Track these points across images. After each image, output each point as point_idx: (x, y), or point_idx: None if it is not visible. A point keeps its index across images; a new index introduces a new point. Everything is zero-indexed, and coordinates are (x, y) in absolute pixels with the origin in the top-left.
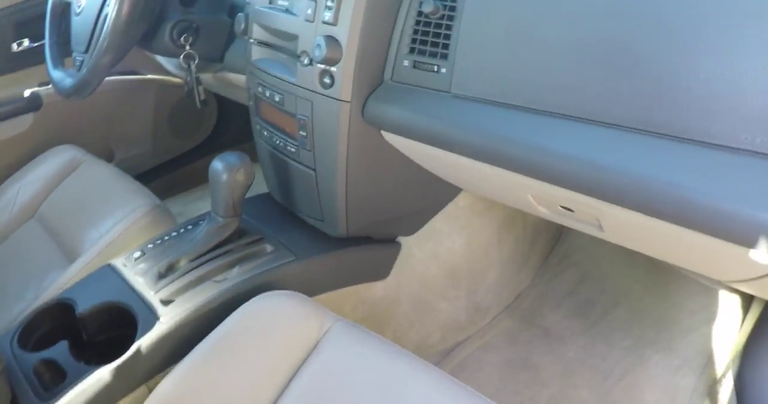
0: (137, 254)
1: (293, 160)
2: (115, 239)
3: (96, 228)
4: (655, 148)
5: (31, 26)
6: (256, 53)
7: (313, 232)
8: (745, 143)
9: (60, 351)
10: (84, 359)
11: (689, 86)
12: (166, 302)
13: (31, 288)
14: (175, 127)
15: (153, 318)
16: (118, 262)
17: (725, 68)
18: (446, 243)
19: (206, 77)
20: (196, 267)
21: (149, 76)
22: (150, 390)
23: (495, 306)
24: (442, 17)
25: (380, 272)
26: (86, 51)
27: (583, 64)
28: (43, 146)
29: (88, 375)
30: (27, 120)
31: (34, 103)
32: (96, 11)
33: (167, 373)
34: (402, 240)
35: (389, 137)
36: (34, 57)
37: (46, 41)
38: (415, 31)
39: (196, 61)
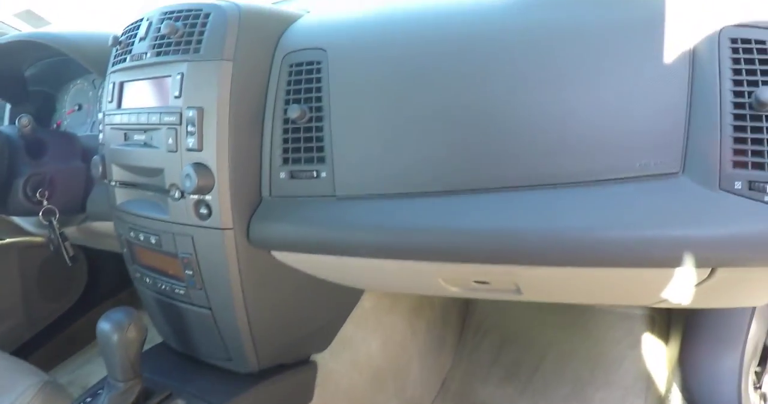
0: None
1: (184, 302)
2: None
3: None
4: (556, 199)
5: None
6: (120, 196)
7: (223, 374)
8: (627, 171)
9: None
10: None
11: (563, 135)
12: None
13: None
14: (45, 291)
15: None
16: None
17: (591, 110)
18: (363, 349)
19: (70, 231)
20: None
21: (7, 241)
22: None
23: (426, 396)
24: (310, 120)
25: (303, 397)
26: None
27: (458, 137)
28: None
29: None
30: None
31: None
32: None
33: None
34: (317, 357)
35: (280, 256)
36: None
37: None
38: (285, 140)
39: (57, 216)
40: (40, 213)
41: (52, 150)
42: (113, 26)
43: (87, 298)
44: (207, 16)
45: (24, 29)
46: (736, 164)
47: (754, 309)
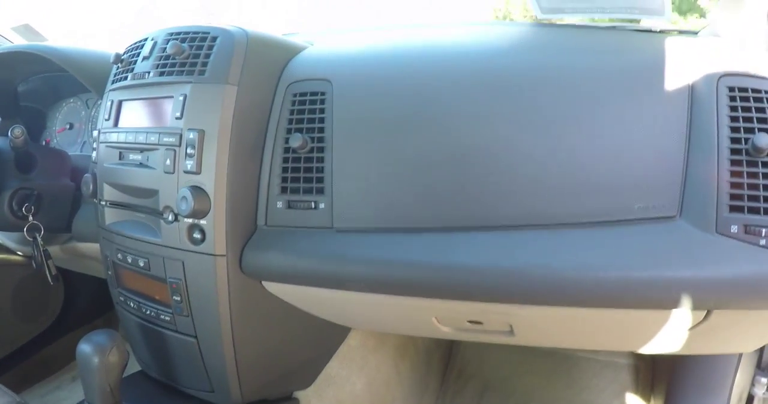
0: None
1: (169, 329)
2: None
3: None
4: (554, 239)
5: None
6: (110, 216)
7: None
8: (625, 213)
9: None
10: None
11: (562, 176)
12: None
13: None
14: (19, 311)
15: None
16: None
17: (590, 153)
18: (347, 388)
19: (53, 250)
20: None
21: None
22: None
23: None
24: (311, 150)
25: None
26: None
27: (458, 174)
28: None
29: None
30: None
31: None
32: None
33: None
34: (300, 395)
35: (272, 287)
36: None
37: None
38: (285, 169)
39: (42, 233)
40: (25, 229)
41: (41, 165)
42: (110, 47)
43: (62, 322)
44: (214, 39)
45: (20, 43)
46: (733, 208)
47: (740, 357)
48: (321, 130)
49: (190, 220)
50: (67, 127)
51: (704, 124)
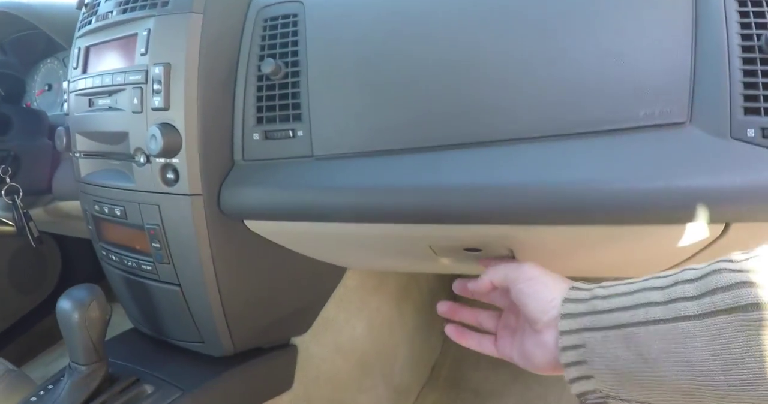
0: None
1: (151, 279)
2: None
3: None
4: (554, 151)
5: None
6: (85, 167)
7: (196, 358)
8: (631, 120)
9: None
10: None
11: (559, 83)
12: None
13: None
14: (17, 282)
15: None
16: None
17: (589, 57)
18: (346, 332)
19: (37, 213)
20: None
21: None
22: None
23: (415, 383)
24: (286, 76)
25: (282, 383)
26: None
27: (447, 88)
28: None
29: None
30: None
31: None
32: None
33: None
34: (297, 341)
35: (255, 226)
36: None
37: None
38: (260, 98)
39: (21, 195)
40: (2, 192)
41: (17, 126)
42: None
43: (61, 291)
44: None
45: None
46: (748, 111)
47: None
48: (295, 53)
49: (162, 160)
50: (46, 88)
51: (711, 21)
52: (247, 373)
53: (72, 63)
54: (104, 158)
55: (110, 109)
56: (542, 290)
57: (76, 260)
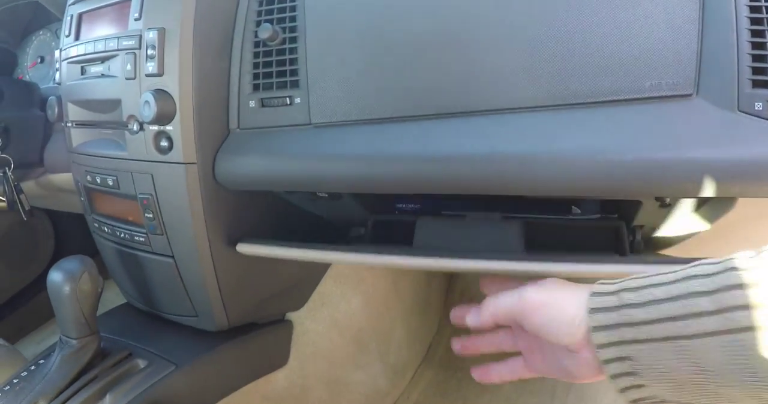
0: None
1: (144, 251)
2: None
3: None
4: (557, 121)
5: None
6: (77, 137)
7: (190, 333)
8: (636, 91)
9: None
10: None
11: (562, 52)
12: None
13: None
14: (9, 259)
15: None
16: None
17: (592, 25)
18: (342, 307)
19: (29, 187)
20: None
21: None
22: None
23: (412, 361)
24: (283, 42)
25: (278, 359)
26: None
27: (448, 55)
28: None
29: None
30: None
31: None
32: None
33: None
34: (292, 316)
35: (248, 249)
36: None
37: None
38: (256, 65)
39: (12, 167)
40: None
41: (8, 98)
42: None
43: None
44: None
45: None
46: (756, 83)
47: None
48: (293, 19)
49: (155, 128)
50: (39, 61)
51: None
52: (242, 348)
53: (64, 31)
54: (97, 127)
55: (103, 76)
56: (559, 314)
57: (69, 237)
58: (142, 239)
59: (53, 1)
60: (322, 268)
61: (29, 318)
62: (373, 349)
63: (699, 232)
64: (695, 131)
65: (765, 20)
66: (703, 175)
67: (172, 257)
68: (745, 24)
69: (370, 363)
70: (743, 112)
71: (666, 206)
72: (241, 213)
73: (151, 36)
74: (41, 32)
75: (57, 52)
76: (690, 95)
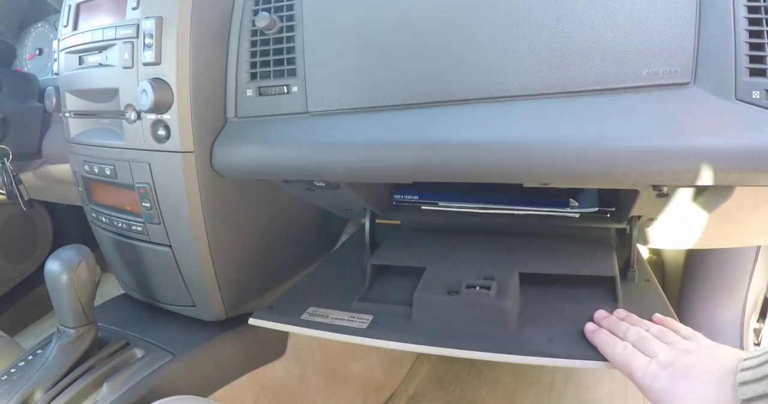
0: None
1: (142, 241)
2: None
3: None
4: (557, 108)
5: None
6: (75, 127)
7: (187, 322)
8: (634, 79)
9: None
10: None
11: (562, 40)
12: None
13: None
14: (8, 252)
15: None
16: None
17: (591, 15)
18: None
19: (27, 178)
20: (57, 395)
21: None
22: None
23: (409, 353)
24: (280, 30)
25: (275, 349)
26: None
27: (447, 43)
28: None
29: None
30: None
31: None
32: None
33: None
34: None
35: (259, 323)
36: None
37: None
38: (253, 54)
39: (11, 158)
40: None
41: (6, 89)
42: None
43: None
44: None
45: None
46: (753, 72)
47: (756, 258)
48: (290, 7)
49: (153, 116)
50: (37, 53)
51: None
52: (239, 339)
53: (62, 21)
54: (94, 117)
55: (100, 65)
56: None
57: (67, 229)
58: (139, 229)
59: None
60: (319, 253)
61: (29, 310)
62: None
63: (696, 222)
64: (692, 119)
65: (762, 9)
66: (700, 163)
67: (170, 246)
68: (743, 12)
69: (367, 354)
70: (740, 100)
71: (663, 196)
72: (238, 202)
73: (148, 25)
74: (39, 24)
75: (55, 43)
76: (687, 83)
